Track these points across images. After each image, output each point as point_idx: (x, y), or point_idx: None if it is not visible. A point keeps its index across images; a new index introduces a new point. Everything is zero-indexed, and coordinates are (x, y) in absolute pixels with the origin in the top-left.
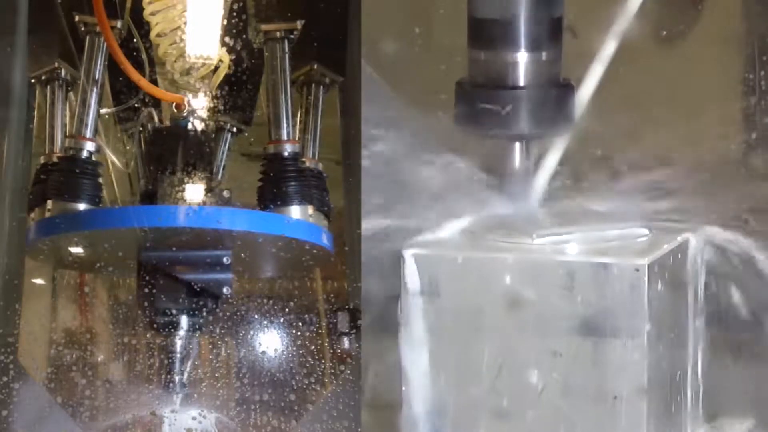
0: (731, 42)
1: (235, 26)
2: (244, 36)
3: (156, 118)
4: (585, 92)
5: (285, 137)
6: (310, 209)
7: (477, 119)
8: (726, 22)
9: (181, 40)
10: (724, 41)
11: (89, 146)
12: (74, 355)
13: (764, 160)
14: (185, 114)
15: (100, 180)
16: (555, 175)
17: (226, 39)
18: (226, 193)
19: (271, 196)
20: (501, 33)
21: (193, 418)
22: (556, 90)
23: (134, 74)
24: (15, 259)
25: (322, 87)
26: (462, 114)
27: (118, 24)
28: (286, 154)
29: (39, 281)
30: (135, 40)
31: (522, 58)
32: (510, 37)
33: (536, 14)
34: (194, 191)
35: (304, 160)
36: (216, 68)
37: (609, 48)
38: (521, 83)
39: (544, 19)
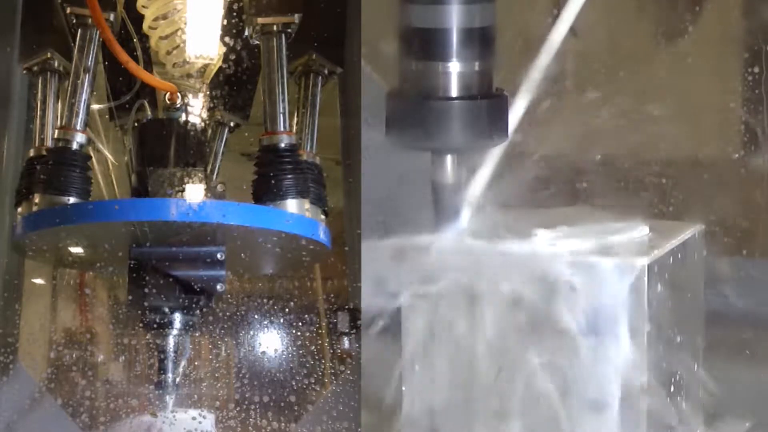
0: (731, 42)
1: (232, 20)
2: (240, 30)
3: (149, 111)
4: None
5: (281, 129)
6: (306, 203)
7: (408, 130)
8: (726, 22)
9: (174, 32)
10: (724, 41)
11: (79, 138)
12: (74, 355)
13: (764, 161)
14: (178, 106)
15: (90, 173)
16: (556, 176)
17: (222, 33)
18: (220, 188)
19: (266, 189)
20: (432, 42)
21: (193, 418)
22: (489, 101)
23: (123, 55)
24: (15, 259)
25: (320, 77)
26: (393, 125)
27: (111, 17)
28: (282, 145)
29: (39, 281)
30: (134, 40)
31: (454, 68)
32: (441, 47)
33: (468, 24)
34: (187, 185)
35: (300, 153)
36: None
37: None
38: (453, 94)
39: (475, 28)
